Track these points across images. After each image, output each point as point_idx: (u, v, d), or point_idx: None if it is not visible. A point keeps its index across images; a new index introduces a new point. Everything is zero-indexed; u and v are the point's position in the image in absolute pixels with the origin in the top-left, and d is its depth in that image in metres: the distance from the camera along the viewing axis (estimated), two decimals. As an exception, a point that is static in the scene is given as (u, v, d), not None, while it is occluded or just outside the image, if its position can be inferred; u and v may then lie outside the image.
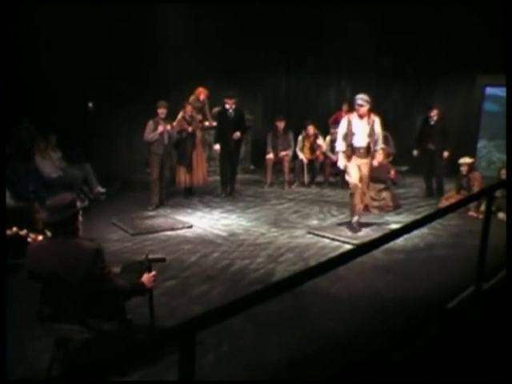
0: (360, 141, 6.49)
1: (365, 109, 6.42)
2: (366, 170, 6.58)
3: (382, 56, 10.74)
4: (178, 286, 5.03)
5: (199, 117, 8.91)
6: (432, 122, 8.83)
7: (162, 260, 3.97)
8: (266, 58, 11.35)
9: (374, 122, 6.48)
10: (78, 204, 3.41)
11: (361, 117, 6.47)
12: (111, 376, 1.98)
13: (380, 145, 6.63)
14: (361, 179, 6.56)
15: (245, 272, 5.43)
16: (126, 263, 3.90)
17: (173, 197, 8.51)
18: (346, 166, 6.64)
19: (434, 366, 3.31)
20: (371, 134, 6.46)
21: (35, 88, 8.16)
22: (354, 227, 6.69)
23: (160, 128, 7.77)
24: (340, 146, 6.64)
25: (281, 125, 9.72)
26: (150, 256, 3.78)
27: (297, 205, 8.39)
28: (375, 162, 6.70)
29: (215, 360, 3.67)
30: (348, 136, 6.50)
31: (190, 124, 8.47)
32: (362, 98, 6.41)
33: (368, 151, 6.54)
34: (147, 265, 3.67)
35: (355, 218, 6.72)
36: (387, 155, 9.03)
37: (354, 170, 6.55)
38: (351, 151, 6.52)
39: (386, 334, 3.94)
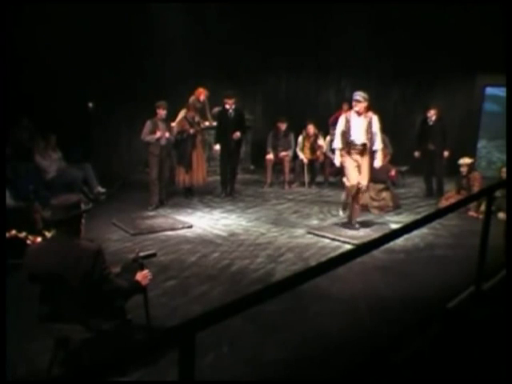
0: (358, 138, 6.49)
1: (362, 105, 6.41)
2: (365, 167, 6.55)
3: (382, 56, 10.73)
4: (178, 286, 5.02)
5: (197, 117, 8.89)
6: (430, 123, 8.83)
7: (153, 255, 3.97)
8: (266, 58, 11.34)
9: (371, 119, 6.48)
10: (83, 206, 3.42)
11: (358, 114, 6.47)
12: (111, 376, 1.98)
13: (379, 145, 6.59)
14: (361, 178, 6.54)
15: (245, 272, 5.42)
16: (125, 263, 3.90)
17: (173, 197, 8.51)
18: (342, 164, 6.64)
19: (434, 365, 3.31)
20: (368, 130, 6.46)
21: (35, 88, 8.16)
22: (355, 227, 6.72)
23: (158, 133, 7.73)
24: (337, 143, 6.66)
25: (282, 126, 9.72)
26: (141, 253, 3.79)
27: (297, 205, 8.38)
28: (377, 164, 6.66)
29: (215, 360, 3.67)
30: (346, 133, 6.51)
31: (191, 125, 8.45)
32: (359, 94, 6.43)
33: (366, 148, 6.53)
34: (140, 262, 3.68)
35: (354, 220, 6.75)
36: (385, 155, 9.02)
37: (353, 172, 6.55)
38: (349, 148, 6.52)
39: (386, 334, 3.95)
